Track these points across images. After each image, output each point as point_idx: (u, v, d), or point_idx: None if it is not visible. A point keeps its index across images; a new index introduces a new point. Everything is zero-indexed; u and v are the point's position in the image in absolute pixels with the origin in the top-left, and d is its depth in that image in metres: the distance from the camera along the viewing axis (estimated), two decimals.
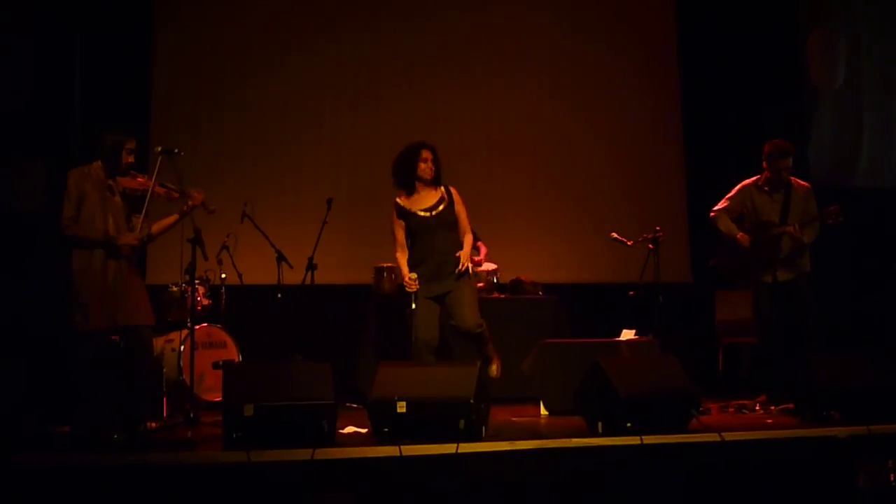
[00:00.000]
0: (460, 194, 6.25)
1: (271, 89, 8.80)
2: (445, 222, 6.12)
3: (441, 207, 6.13)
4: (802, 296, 6.65)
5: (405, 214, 6.14)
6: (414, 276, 5.95)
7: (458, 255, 6.03)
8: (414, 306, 5.94)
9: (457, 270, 6.00)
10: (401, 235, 6.17)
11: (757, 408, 6.36)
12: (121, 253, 5.60)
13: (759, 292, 6.77)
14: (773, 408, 6.28)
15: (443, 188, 6.20)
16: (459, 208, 6.19)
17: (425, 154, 6.15)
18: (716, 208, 6.90)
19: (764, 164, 6.73)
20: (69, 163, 5.83)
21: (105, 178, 5.68)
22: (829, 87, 9.33)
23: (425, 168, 6.13)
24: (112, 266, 5.59)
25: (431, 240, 6.06)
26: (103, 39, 8.11)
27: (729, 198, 6.89)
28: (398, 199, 6.19)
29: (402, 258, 6.13)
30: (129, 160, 5.71)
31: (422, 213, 6.11)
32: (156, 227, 5.91)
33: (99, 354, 5.56)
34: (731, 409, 6.39)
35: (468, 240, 6.20)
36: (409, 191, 6.18)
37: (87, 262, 5.55)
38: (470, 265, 6.13)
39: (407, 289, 5.97)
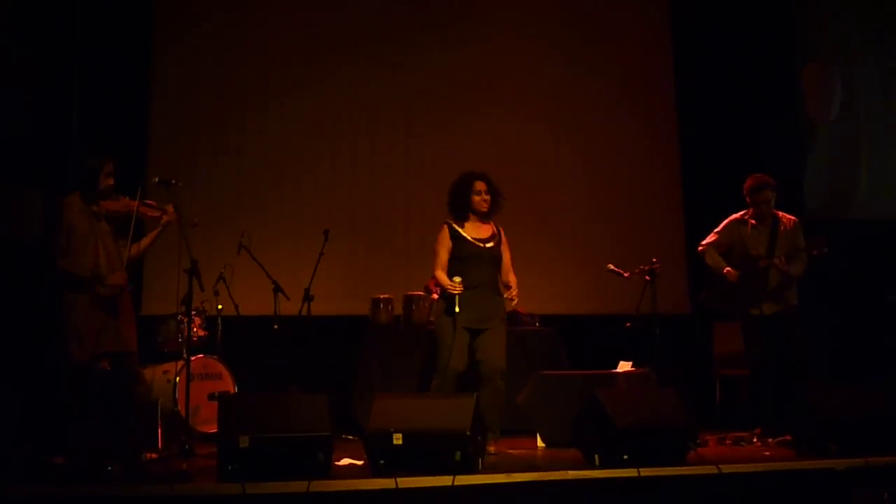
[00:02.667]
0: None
1: (270, 120, 8.83)
2: (493, 258, 6.14)
3: (492, 243, 6.15)
4: (790, 328, 6.66)
5: (457, 238, 6.10)
6: (458, 279, 5.90)
7: (513, 292, 6.06)
8: (458, 309, 5.88)
9: (513, 301, 6.06)
10: (445, 257, 6.10)
11: (754, 440, 6.33)
12: (110, 293, 5.57)
13: (748, 326, 6.78)
14: (770, 440, 6.25)
15: (493, 225, 6.22)
16: (505, 248, 6.23)
17: (478, 185, 6.12)
18: (704, 242, 6.94)
19: (747, 198, 6.77)
20: (66, 193, 5.82)
21: (87, 205, 5.65)
22: (824, 119, 9.38)
23: (479, 201, 6.11)
24: (104, 295, 5.57)
25: (478, 270, 6.05)
26: (102, 68, 8.14)
27: (717, 232, 6.93)
28: (451, 222, 6.16)
29: (444, 274, 6.06)
30: (109, 182, 5.66)
31: (476, 242, 6.10)
32: (135, 249, 5.83)
33: (91, 384, 5.54)
34: (728, 442, 6.37)
35: (514, 279, 6.20)
36: (462, 220, 6.16)
37: (78, 292, 5.53)
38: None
39: (452, 290, 5.89)
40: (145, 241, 5.90)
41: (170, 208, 5.78)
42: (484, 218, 6.19)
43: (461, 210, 6.15)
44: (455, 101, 9.19)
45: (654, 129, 9.58)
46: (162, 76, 8.65)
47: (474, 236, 6.12)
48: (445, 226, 6.16)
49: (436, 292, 6.57)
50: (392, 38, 9.17)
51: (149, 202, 5.77)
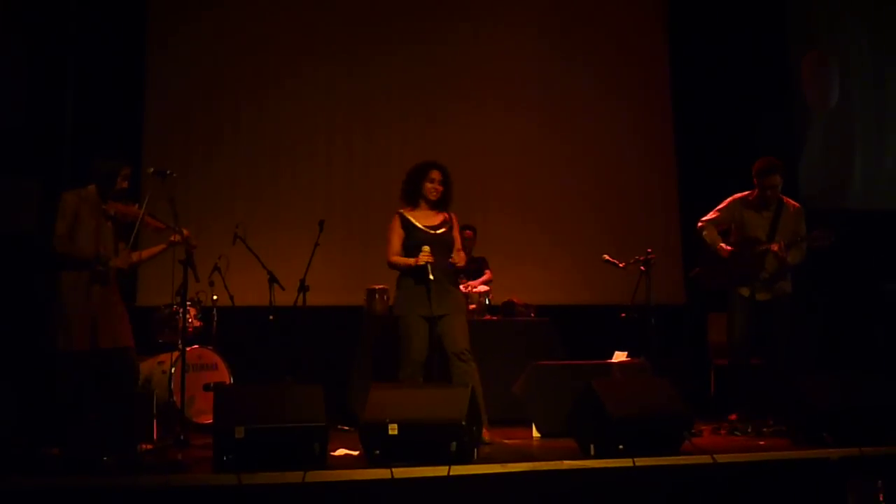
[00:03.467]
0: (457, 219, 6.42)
1: (265, 111, 8.83)
2: (445, 244, 6.19)
3: (443, 230, 6.20)
4: (780, 317, 6.59)
5: (408, 227, 6.17)
6: (427, 248, 5.96)
7: (452, 259, 6.15)
8: (432, 277, 5.92)
9: (450, 261, 6.12)
10: (398, 245, 6.18)
11: (749, 429, 6.30)
12: (107, 275, 5.61)
13: (734, 305, 6.69)
14: (765, 429, 6.23)
15: (445, 213, 6.28)
16: (456, 233, 6.31)
17: (433, 174, 6.19)
18: (704, 219, 6.85)
19: (754, 180, 6.69)
20: (61, 184, 5.85)
21: (99, 203, 5.70)
22: (823, 108, 9.38)
23: (431, 188, 6.18)
24: (97, 288, 5.60)
25: (434, 261, 6.04)
26: (97, 61, 8.13)
27: (718, 210, 6.85)
28: (403, 211, 6.24)
29: (399, 257, 6.14)
30: (124, 185, 5.76)
31: (426, 229, 6.16)
32: (136, 256, 5.90)
33: (85, 376, 5.55)
34: (723, 431, 6.38)
35: (462, 256, 6.33)
36: (414, 206, 6.24)
37: (73, 283, 5.56)
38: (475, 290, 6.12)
39: (423, 259, 5.94)
40: (147, 252, 5.93)
41: (184, 230, 5.84)
42: (434, 206, 6.24)
43: (412, 196, 6.24)
44: (450, 91, 9.20)
45: (649, 119, 9.60)
46: (156, 67, 8.63)
47: (425, 224, 6.18)
48: (397, 216, 6.24)
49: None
50: (388, 29, 9.18)
51: (156, 214, 5.84)
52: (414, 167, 6.28)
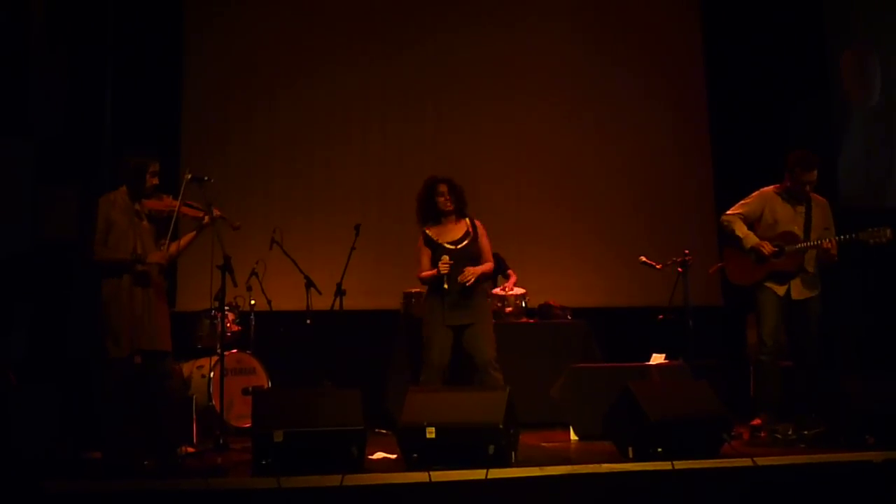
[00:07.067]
0: (486, 224, 6.56)
1: (301, 115, 8.87)
2: (470, 255, 6.37)
3: (466, 242, 6.39)
4: (813, 316, 6.38)
5: (432, 245, 6.38)
6: (446, 256, 6.22)
7: (466, 269, 6.25)
8: (446, 286, 6.18)
9: (459, 279, 6.23)
10: (426, 263, 6.41)
11: (790, 432, 6.18)
12: (148, 275, 5.64)
13: (767, 302, 6.40)
14: (805, 432, 6.11)
15: (468, 221, 6.47)
16: (484, 241, 6.47)
17: (441, 188, 6.43)
18: (730, 212, 6.56)
19: (786, 174, 6.43)
20: (100, 190, 5.88)
21: (131, 203, 5.74)
22: (865, 105, 9.26)
23: (444, 201, 6.40)
24: (140, 291, 5.63)
25: (455, 272, 6.26)
26: (134, 66, 8.19)
27: (745, 203, 6.55)
28: (427, 229, 6.45)
29: (426, 272, 6.40)
30: (154, 182, 5.77)
31: (448, 246, 6.35)
32: (174, 247, 5.89)
33: (124, 380, 5.60)
34: (763, 434, 6.31)
35: (486, 265, 6.43)
36: (436, 222, 6.45)
37: (116, 289, 5.60)
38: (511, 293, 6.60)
39: (442, 269, 6.19)
40: (183, 241, 5.95)
41: (215, 211, 5.85)
42: (454, 216, 6.46)
43: (430, 214, 6.46)
44: (486, 91, 9.22)
45: (686, 120, 9.55)
46: (193, 73, 8.72)
47: (448, 240, 6.39)
48: (422, 234, 6.48)
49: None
50: (422, 28, 9.20)
51: (190, 203, 5.85)
52: (421, 188, 6.52)
